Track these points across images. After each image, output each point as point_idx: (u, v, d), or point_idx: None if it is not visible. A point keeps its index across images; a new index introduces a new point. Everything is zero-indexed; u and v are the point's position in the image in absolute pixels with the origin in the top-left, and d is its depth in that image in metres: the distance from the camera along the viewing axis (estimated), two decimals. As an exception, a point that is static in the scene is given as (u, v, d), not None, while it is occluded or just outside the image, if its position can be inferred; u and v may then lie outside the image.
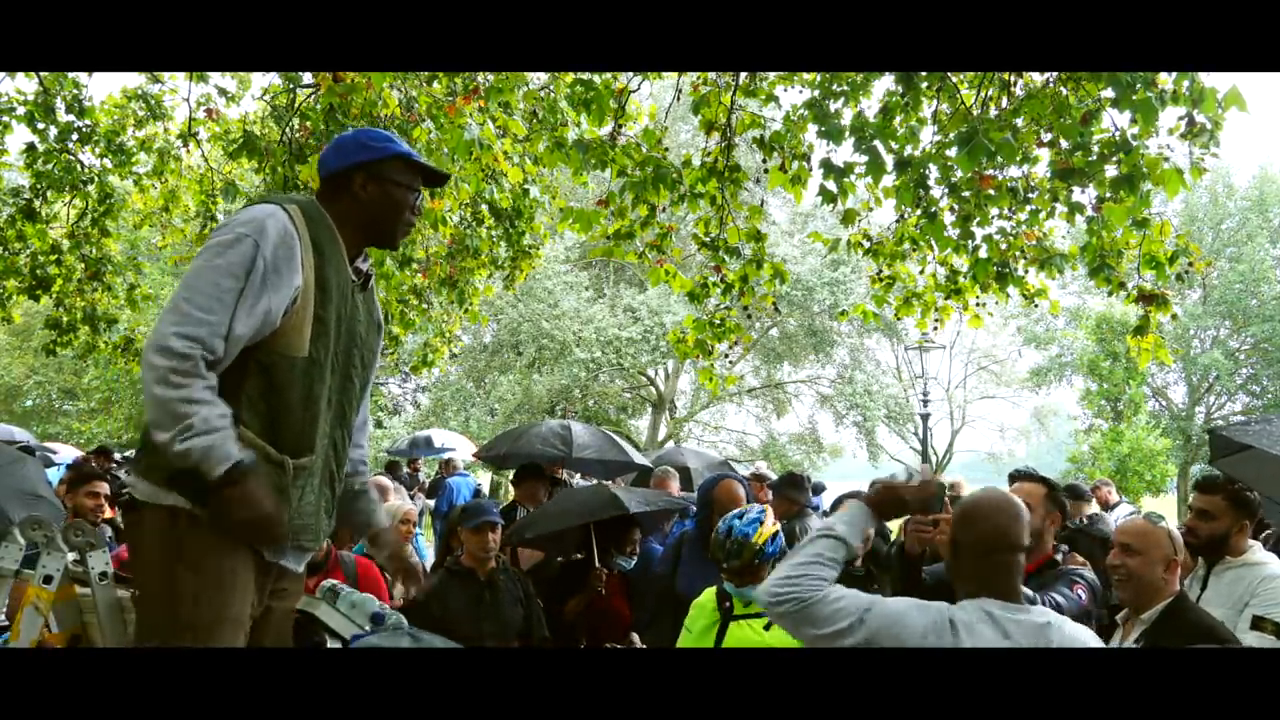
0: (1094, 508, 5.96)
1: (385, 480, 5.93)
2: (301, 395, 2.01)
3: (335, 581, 2.42)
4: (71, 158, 7.28)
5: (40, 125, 6.99)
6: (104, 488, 4.53)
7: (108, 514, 4.59)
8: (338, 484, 2.22)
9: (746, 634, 2.90)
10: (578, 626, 4.09)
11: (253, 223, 1.94)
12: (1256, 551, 3.08)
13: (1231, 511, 3.04)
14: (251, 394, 1.94)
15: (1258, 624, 2.80)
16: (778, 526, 3.02)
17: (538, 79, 6.54)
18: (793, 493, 5.03)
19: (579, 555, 4.43)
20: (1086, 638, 1.93)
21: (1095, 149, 4.40)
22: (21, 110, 6.90)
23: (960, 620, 1.84)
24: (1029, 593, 2.78)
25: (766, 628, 2.90)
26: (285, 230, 1.96)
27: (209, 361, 1.87)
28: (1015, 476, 3.41)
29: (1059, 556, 3.13)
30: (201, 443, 1.82)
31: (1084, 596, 2.95)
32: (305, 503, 2.06)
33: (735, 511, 3.05)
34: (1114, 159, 4.35)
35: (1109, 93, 4.18)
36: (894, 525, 3.56)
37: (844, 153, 4.65)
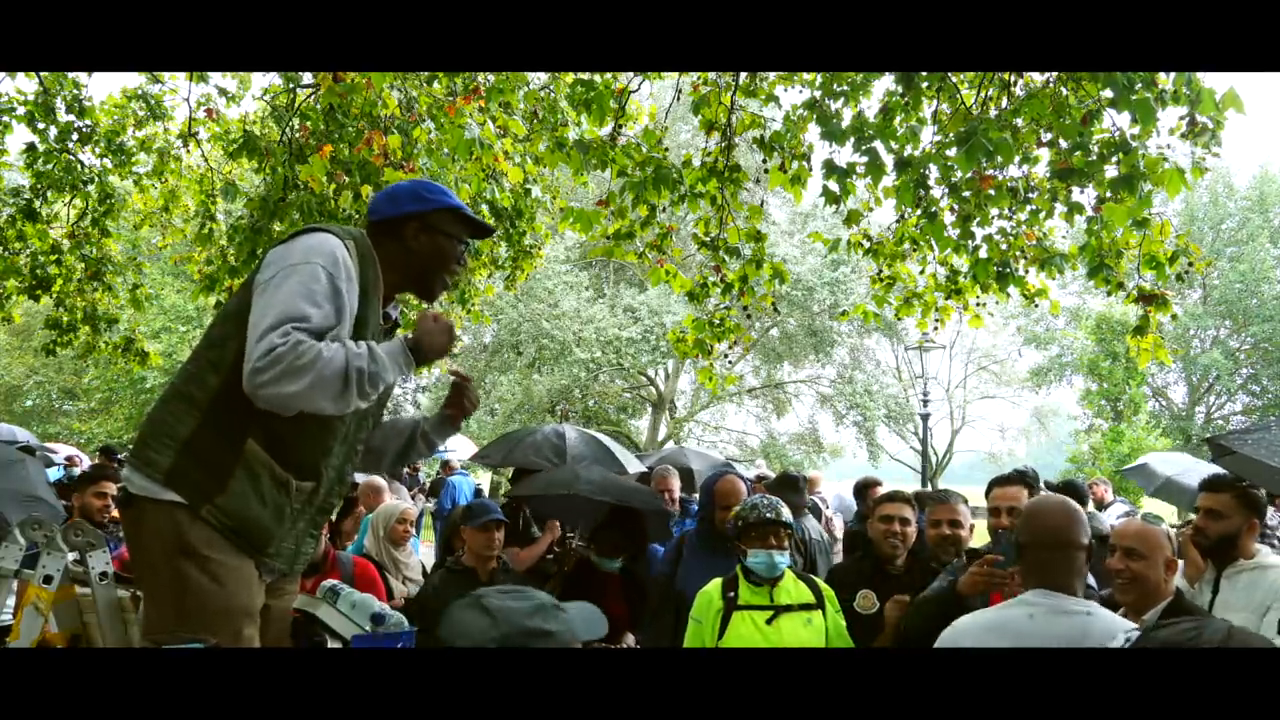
0: (1090, 506, 5.96)
1: (379, 479, 5.92)
2: (316, 424, 2.02)
3: (335, 581, 2.42)
4: (71, 158, 7.29)
5: (40, 125, 7.00)
6: (111, 488, 4.53)
7: (114, 513, 4.58)
8: (331, 510, 2.25)
9: (747, 626, 2.94)
10: None
11: (318, 250, 1.96)
12: (1267, 555, 3.03)
13: (1241, 510, 3.00)
14: (265, 414, 1.93)
15: None
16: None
17: (538, 79, 6.54)
18: (788, 494, 5.03)
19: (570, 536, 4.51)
20: (1120, 626, 2.03)
21: (1095, 149, 4.40)
22: (21, 110, 6.91)
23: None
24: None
25: (769, 621, 2.94)
26: (348, 264, 2.00)
27: (308, 331, 1.87)
28: (995, 482, 3.43)
29: None
30: (373, 369, 1.89)
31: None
32: (297, 526, 2.09)
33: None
34: (1114, 159, 4.35)
35: (1108, 93, 4.18)
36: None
37: (844, 153, 4.66)
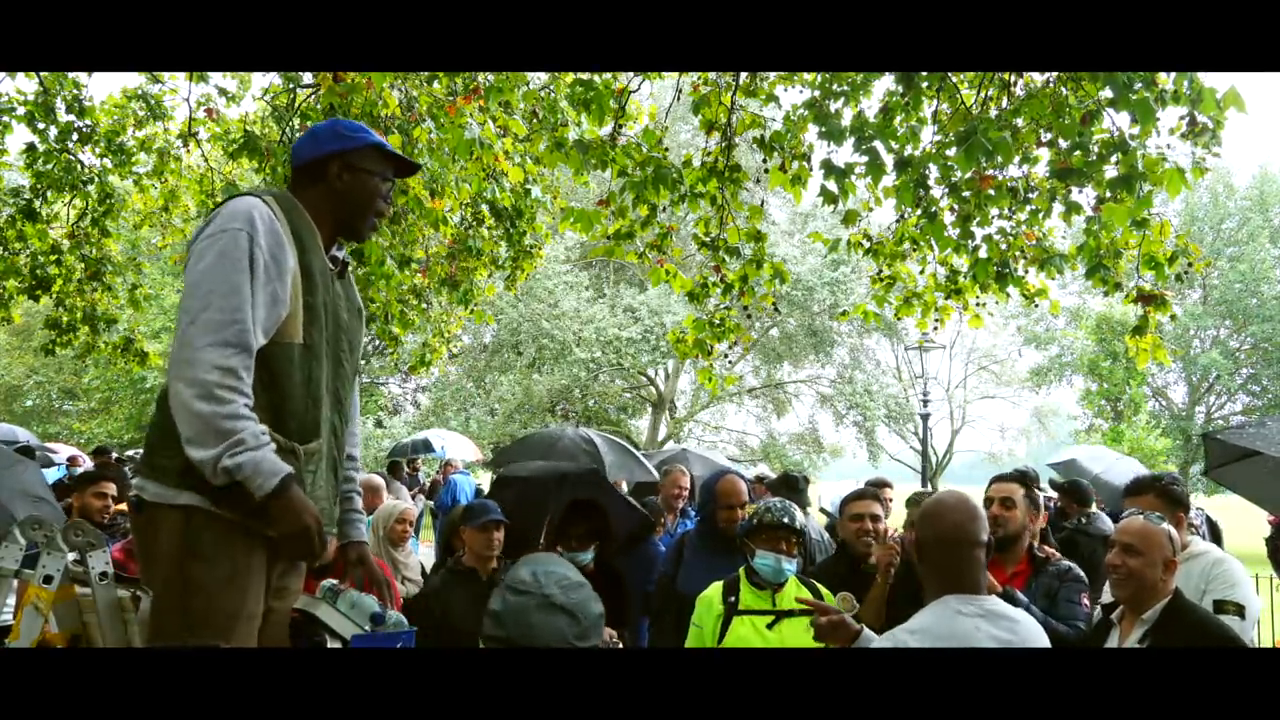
0: (1091, 506, 5.98)
1: (377, 479, 5.93)
2: (302, 381, 2.02)
3: (335, 581, 2.42)
4: (71, 158, 7.28)
5: (40, 125, 6.98)
6: (111, 488, 4.53)
7: (113, 509, 4.57)
8: (340, 470, 2.24)
9: (748, 630, 2.93)
10: None
11: (239, 216, 1.95)
12: (1198, 543, 3.26)
13: (1166, 507, 3.17)
14: (254, 386, 1.94)
15: (1220, 608, 2.92)
16: None
17: (538, 79, 6.54)
18: (788, 494, 5.04)
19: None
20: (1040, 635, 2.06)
21: (1094, 149, 4.40)
22: (21, 110, 6.89)
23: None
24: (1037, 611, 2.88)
25: (770, 625, 2.93)
26: (270, 219, 1.99)
27: (247, 366, 1.88)
28: (996, 479, 3.48)
29: (1038, 553, 3.25)
30: (252, 458, 1.83)
31: (1088, 603, 3.08)
32: (316, 489, 2.08)
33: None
34: (1113, 159, 4.35)
35: (1108, 93, 4.18)
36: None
37: (844, 153, 4.66)
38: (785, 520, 3.00)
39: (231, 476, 1.83)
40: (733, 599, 2.99)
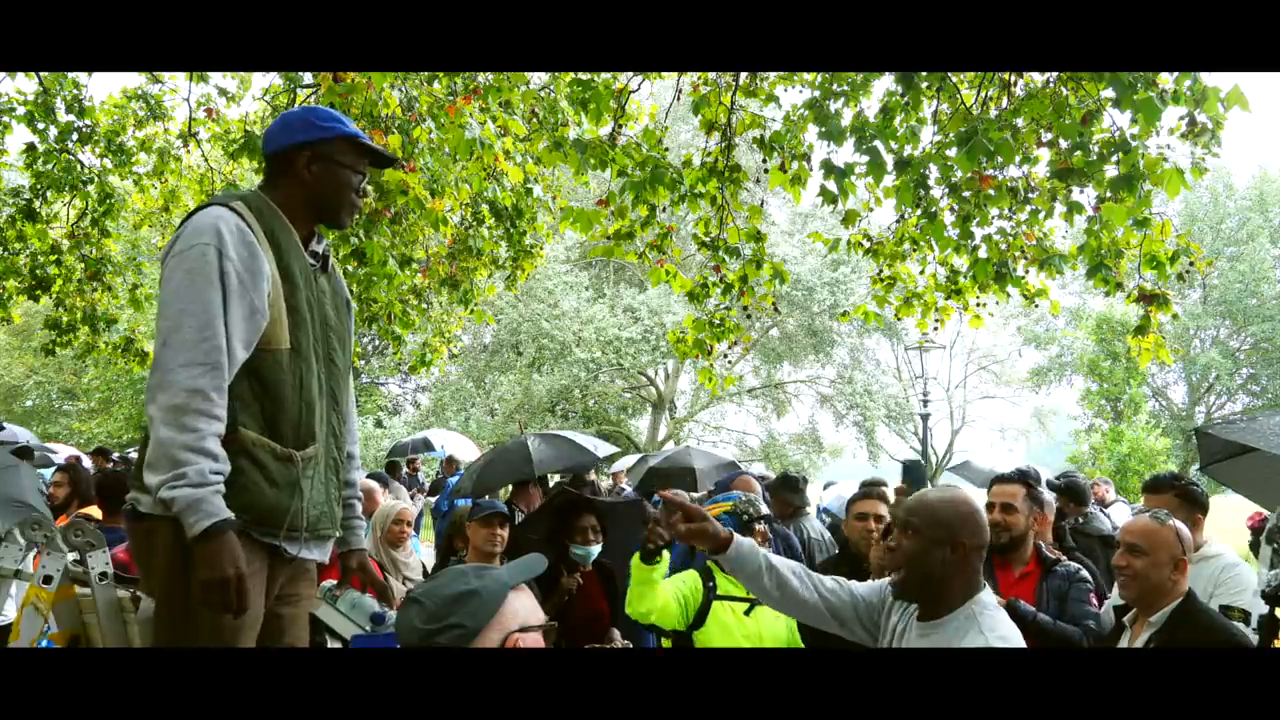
0: (1089, 505, 5.96)
1: (373, 483, 5.95)
2: (294, 386, 2.00)
3: (334, 582, 2.42)
4: (71, 158, 7.28)
5: (40, 125, 6.98)
6: None
7: None
8: (342, 471, 2.21)
9: (727, 614, 3.04)
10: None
11: (204, 230, 1.90)
12: (1213, 544, 3.20)
13: (1185, 507, 3.14)
14: (244, 396, 1.92)
15: (1226, 613, 2.88)
16: None
17: (538, 79, 6.54)
18: (788, 494, 5.05)
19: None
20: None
21: (1095, 149, 4.41)
22: (21, 110, 6.89)
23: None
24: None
25: (747, 612, 3.06)
26: (239, 228, 1.93)
27: (218, 386, 1.84)
28: (997, 480, 3.47)
29: (1048, 554, 3.21)
30: (189, 494, 1.77)
31: (1097, 602, 3.05)
32: (316, 492, 2.06)
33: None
34: (1114, 159, 4.36)
35: (1110, 92, 4.18)
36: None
37: (844, 153, 4.66)
38: (762, 513, 3.19)
39: (167, 508, 1.79)
40: (710, 584, 3.09)
